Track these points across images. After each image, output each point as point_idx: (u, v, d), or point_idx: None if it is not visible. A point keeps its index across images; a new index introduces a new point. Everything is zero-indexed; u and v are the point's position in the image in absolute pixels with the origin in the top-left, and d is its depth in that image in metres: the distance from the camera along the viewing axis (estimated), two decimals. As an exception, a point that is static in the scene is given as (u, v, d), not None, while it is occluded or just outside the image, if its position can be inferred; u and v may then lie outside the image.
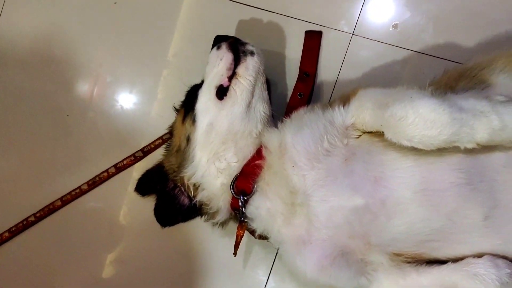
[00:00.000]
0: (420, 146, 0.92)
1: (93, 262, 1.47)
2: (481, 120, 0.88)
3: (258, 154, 1.11)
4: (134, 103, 1.50)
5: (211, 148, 1.13)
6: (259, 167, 1.10)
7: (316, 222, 1.02)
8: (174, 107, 1.30)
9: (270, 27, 1.41)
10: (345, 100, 1.05)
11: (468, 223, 0.96)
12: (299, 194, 1.03)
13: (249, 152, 1.13)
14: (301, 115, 1.10)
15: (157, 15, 1.48)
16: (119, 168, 1.46)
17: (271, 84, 1.33)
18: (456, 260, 0.99)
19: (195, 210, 1.21)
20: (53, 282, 1.48)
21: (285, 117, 1.12)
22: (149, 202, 1.28)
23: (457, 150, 0.93)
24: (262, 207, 1.09)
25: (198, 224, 1.30)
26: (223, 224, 1.22)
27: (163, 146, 1.41)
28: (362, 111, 1.00)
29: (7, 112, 1.53)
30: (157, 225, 1.25)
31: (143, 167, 1.41)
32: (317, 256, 1.03)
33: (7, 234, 1.47)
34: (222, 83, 1.16)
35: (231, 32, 1.41)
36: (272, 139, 1.09)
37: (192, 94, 1.21)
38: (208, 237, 1.40)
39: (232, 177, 1.12)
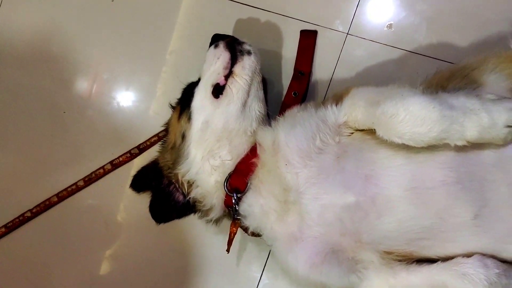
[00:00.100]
0: (410, 143, 0.92)
1: (89, 258, 1.48)
2: (471, 118, 0.89)
3: (252, 152, 1.12)
4: (131, 101, 1.50)
5: (206, 145, 1.14)
6: (253, 165, 1.10)
7: (308, 219, 1.03)
8: (170, 104, 1.31)
9: (267, 26, 1.42)
10: (338, 99, 1.06)
11: (458, 221, 0.96)
12: (292, 192, 1.03)
13: (243, 150, 1.13)
14: (294, 113, 1.10)
15: (155, 13, 1.48)
16: (115, 165, 1.46)
17: (267, 83, 1.34)
18: (446, 259, 0.99)
19: (189, 207, 1.21)
20: (49, 277, 1.48)
21: (279, 115, 1.12)
22: (145, 199, 1.28)
23: (448, 149, 0.94)
24: (255, 205, 1.09)
25: (192, 221, 1.30)
26: (217, 221, 1.22)
27: (159, 143, 1.41)
28: (354, 109, 1.01)
29: (4, 108, 1.53)
30: (153, 222, 1.25)
31: (141, 164, 1.41)
32: (308, 253, 1.04)
33: (3, 229, 1.47)
34: (218, 82, 1.17)
35: (229, 31, 1.42)
36: (265, 137, 1.10)
37: (189, 92, 1.22)
38: (202, 234, 1.41)
39: (226, 174, 1.12)
